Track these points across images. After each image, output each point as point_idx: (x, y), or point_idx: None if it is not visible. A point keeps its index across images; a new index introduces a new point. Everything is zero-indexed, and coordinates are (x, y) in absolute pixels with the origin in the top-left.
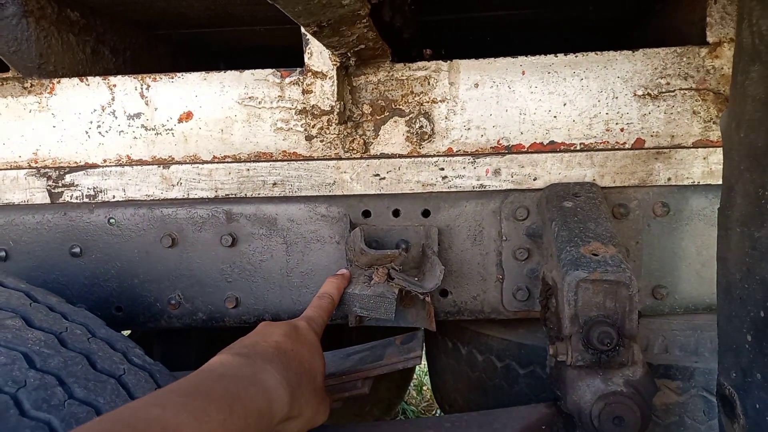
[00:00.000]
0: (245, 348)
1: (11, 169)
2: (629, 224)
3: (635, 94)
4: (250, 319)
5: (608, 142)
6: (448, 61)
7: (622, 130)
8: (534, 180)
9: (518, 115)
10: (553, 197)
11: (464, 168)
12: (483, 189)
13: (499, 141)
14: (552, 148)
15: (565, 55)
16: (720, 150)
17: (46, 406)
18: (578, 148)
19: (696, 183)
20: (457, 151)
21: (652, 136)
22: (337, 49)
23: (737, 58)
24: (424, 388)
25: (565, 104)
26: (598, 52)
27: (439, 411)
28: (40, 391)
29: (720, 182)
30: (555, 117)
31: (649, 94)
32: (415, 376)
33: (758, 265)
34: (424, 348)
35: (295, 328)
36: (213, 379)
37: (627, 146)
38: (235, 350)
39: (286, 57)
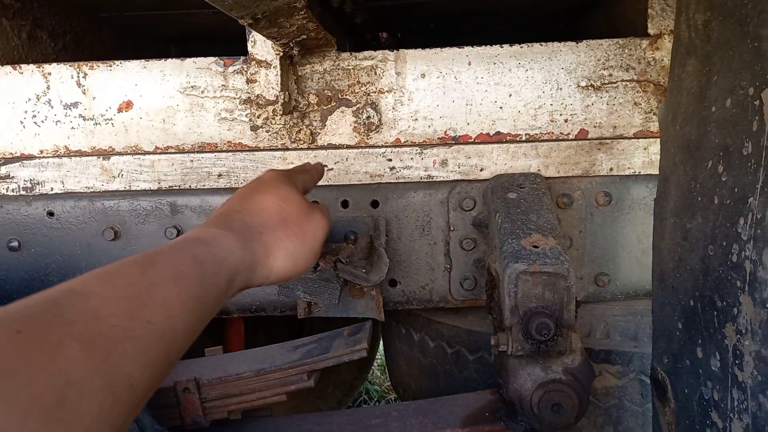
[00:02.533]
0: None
1: None
2: (573, 213)
3: (579, 86)
4: None
5: (553, 132)
6: (395, 51)
7: (566, 121)
8: (480, 170)
9: (465, 106)
10: (498, 188)
11: (412, 159)
12: (431, 180)
13: (446, 132)
14: (498, 138)
15: (510, 45)
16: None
17: None
18: (524, 138)
19: (637, 173)
20: (404, 142)
21: (595, 126)
22: (278, 40)
23: (675, 51)
24: None
25: (510, 95)
26: (543, 43)
27: None
28: None
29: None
30: (501, 108)
31: (592, 85)
32: (378, 356)
33: (689, 256)
34: (381, 335)
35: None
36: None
37: (571, 137)
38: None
39: (238, 42)
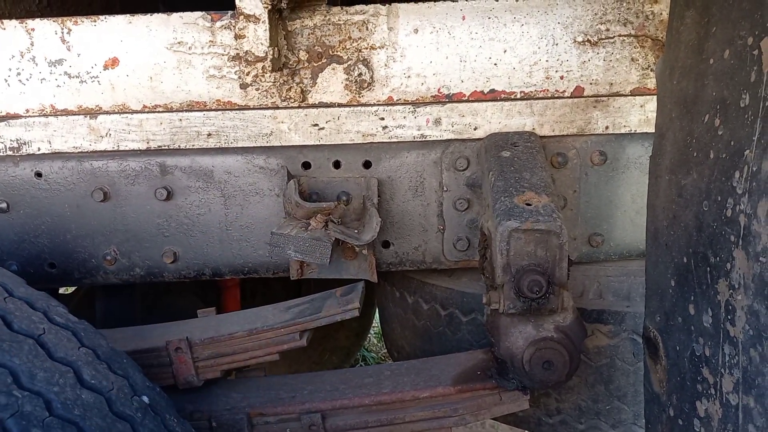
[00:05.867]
0: None
1: None
2: (567, 173)
3: (575, 41)
4: (190, 273)
5: (548, 90)
6: (387, 5)
7: (561, 78)
8: (474, 129)
9: (458, 63)
10: (492, 147)
11: (405, 118)
12: (424, 139)
13: (439, 89)
14: (492, 96)
15: None
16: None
17: None
18: (518, 96)
19: (633, 131)
20: (397, 100)
21: (591, 84)
22: None
23: (673, 3)
24: None
25: (505, 51)
26: None
27: None
28: None
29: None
30: (495, 64)
31: (588, 40)
32: (374, 324)
33: (683, 212)
34: (375, 298)
35: None
36: None
37: (566, 94)
38: None
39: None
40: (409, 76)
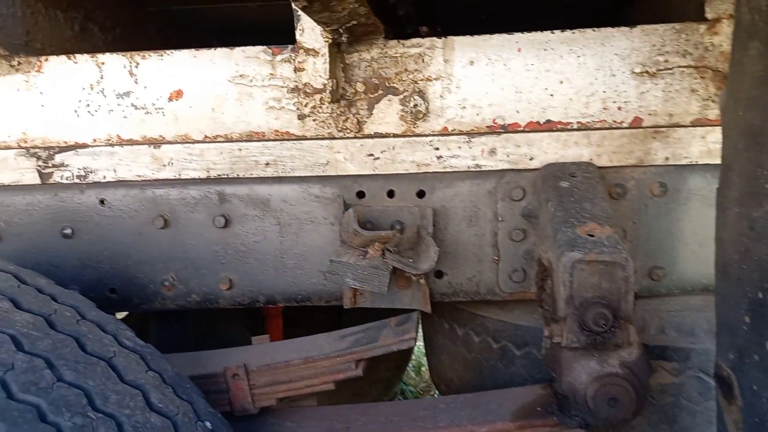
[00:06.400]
0: None
1: (1, 149)
2: (626, 204)
3: (633, 72)
4: (245, 300)
5: (605, 120)
6: (443, 38)
7: (619, 108)
8: (530, 160)
9: (514, 93)
10: (549, 177)
11: (459, 148)
12: (478, 169)
13: (494, 120)
14: (548, 127)
15: (561, 31)
16: (719, 129)
17: (35, 389)
18: (575, 126)
19: (694, 162)
20: (452, 131)
21: (649, 114)
22: (328, 25)
23: (736, 35)
24: (423, 368)
25: (561, 82)
26: (596, 29)
27: (437, 392)
28: (29, 374)
29: (718, 162)
30: (551, 95)
31: (647, 71)
32: (413, 357)
33: (756, 246)
34: (421, 329)
35: None
36: None
37: (624, 125)
38: None
39: (280, 34)
40: (464, 107)
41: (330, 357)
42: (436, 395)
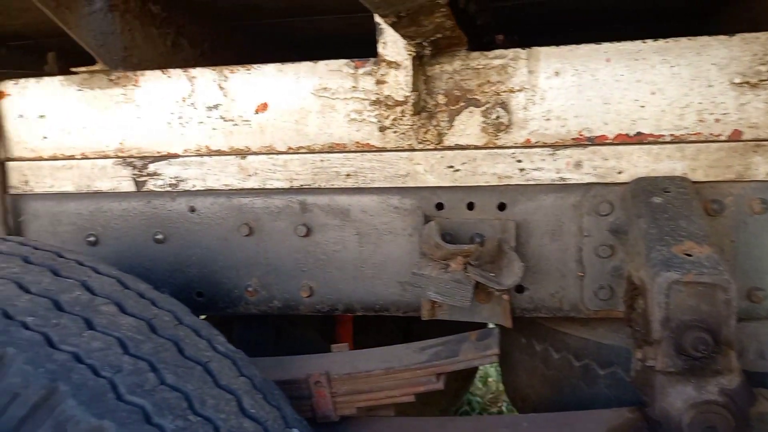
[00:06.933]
0: None
1: (100, 158)
2: (723, 222)
3: (732, 83)
4: (324, 308)
5: (701, 133)
6: (527, 49)
7: (717, 120)
8: (618, 173)
9: (602, 105)
10: (639, 192)
11: (543, 160)
12: (563, 182)
13: (580, 132)
14: (639, 139)
15: (654, 41)
16: None
17: (140, 391)
18: (668, 139)
19: None
20: (535, 143)
21: (750, 127)
22: (413, 39)
23: None
24: (490, 379)
25: (653, 93)
26: (691, 38)
27: (506, 403)
28: (134, 377)
29: None
30: (642, 107)
31: (747, 82)
32: (480, 368)
33: None
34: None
35: None
36: None
37: (722, 138)
38: None
39: (359, 47)
40: (548, 119)
41: (411, 369)
42: (503, 406)
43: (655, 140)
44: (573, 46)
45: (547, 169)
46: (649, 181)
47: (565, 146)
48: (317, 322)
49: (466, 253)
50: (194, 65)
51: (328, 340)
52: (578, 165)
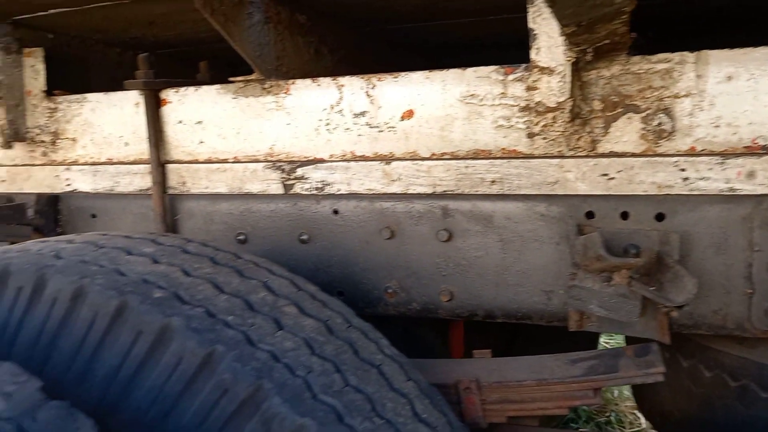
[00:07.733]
0: None
1: (251, 162)
2: None
3: None
4: (464, 313)
5: None
6: (695, 53)
7: None
8: None
9: None
10: None
11: (710, 169)
12: (732, 193)
13: (754, 140)
14: None
15: None
16: None
17: (331, 392)
18: None
19: None
20: (701, 151)
21: None
22: (578, 45)
23: None
24: None
25: None
26: None
27: (614, 413)
28: (323, 377)
29: None
30: None
31: None
32: None
33: None
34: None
35: None
36: None
37: None
38: None
39: (494, 50)
40: (717, 126)
41: (565, 382)
42: (612, 416)
43: None
44: (748, 49)
45: (714, 178)
46: None
47: (736, 155)
48: (432, 321)
49: (630, 266)
50: (333, 72)
51: (443, 339)
52: (751, 175)
